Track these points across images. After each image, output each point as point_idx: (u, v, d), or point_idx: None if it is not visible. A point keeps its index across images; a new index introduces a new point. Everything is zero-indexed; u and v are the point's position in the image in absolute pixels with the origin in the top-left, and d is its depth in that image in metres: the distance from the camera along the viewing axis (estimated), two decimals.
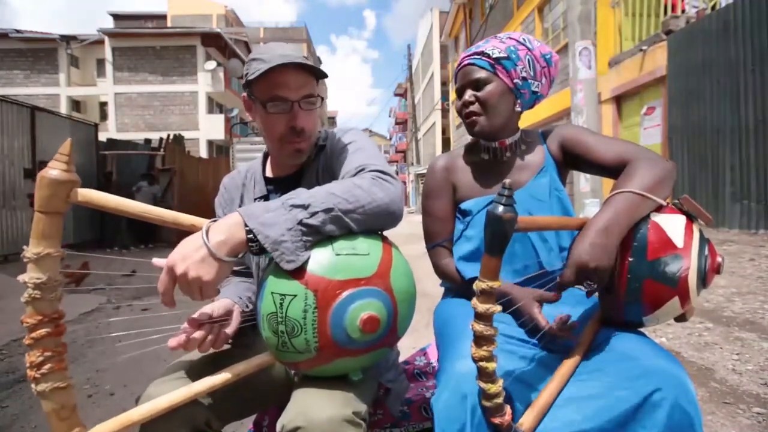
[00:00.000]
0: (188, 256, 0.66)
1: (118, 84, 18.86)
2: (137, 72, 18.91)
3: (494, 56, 1.02)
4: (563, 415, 0.74)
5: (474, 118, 1.04)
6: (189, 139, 15.81)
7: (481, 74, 1.02)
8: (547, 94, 1.10)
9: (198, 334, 0.78)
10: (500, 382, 0.69)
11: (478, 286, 0.66)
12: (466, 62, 1.05)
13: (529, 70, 1.03)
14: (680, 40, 6.05)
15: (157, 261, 0.69)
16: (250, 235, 0.68)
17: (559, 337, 0.83)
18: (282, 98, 0.89)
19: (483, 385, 0.68)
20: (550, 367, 0.82)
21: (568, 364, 0.79)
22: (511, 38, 1.05)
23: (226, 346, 0.90)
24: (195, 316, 0.80)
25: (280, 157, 0.98)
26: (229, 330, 0.83)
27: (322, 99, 0.95)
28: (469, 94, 1.03)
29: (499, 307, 0.67)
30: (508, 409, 0.70)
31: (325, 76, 0.93)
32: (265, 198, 1.01)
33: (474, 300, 0.68)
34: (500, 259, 0.66)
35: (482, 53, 1.03)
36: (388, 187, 0.78)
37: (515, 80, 1.02)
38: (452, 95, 21.30)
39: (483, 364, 0.67)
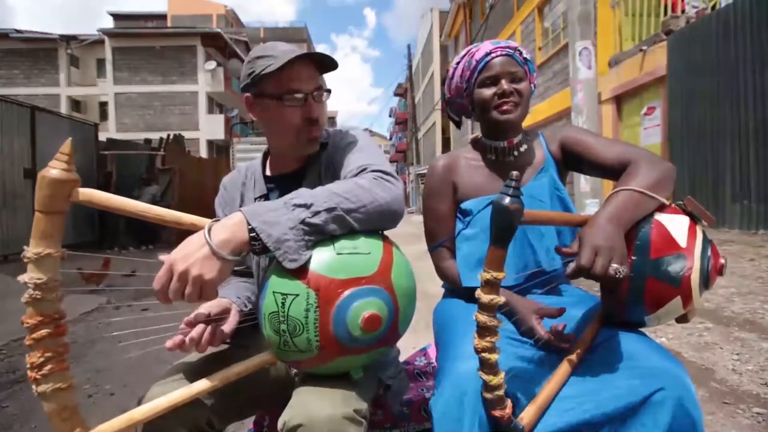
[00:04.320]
0: (190, 255, 0.66)
1: (118, 84, 18.87)
2: (137, 72, 18.92)
3: (524, 56, 1.05)
4: (563, 411, 0.74)
5: (509, 107, 1.03)
6: (189, 139, 15.77)
7: (518, 69, 1.03)
8: None
9: (195, 333, 0.77)
10: (502, 375, 0.69)
11: (482, 276, 0.66)
12: (501, 53, 1.03)
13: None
14: (680, 40, 6.05)
15: (163, 257, 0.69)
16: (253, 234, 0.68)
17: (557, 348, 0.84)
18: (297, 90, 0.91)
19: (485, 376, 0.68)
20: (550, 365, 0.82)
21: (568, 363, 0.79)
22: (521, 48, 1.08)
23: (224, 345, 0.90)
24: (191, 317, 0.80)
25: (294, 149, 0.98)
26: (227, 328, 0.82)
27: (329, 91, 0.97)
28: (508, 85, 1.02)
29: (502, 299, 0.67)
30: (509, 402, 0.70)
31: (335, 66, 0.95)
32: (265, 197, 1.01)
33: (478, 291, 0.67)
34: (505, 251, 0.66)
35: (516, 49, 1.05)
36: (390, 187, 0.78)
37: (532, 84, 1.07)
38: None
39: (485, 355, 0.67)
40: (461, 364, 0.78)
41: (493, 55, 1.03)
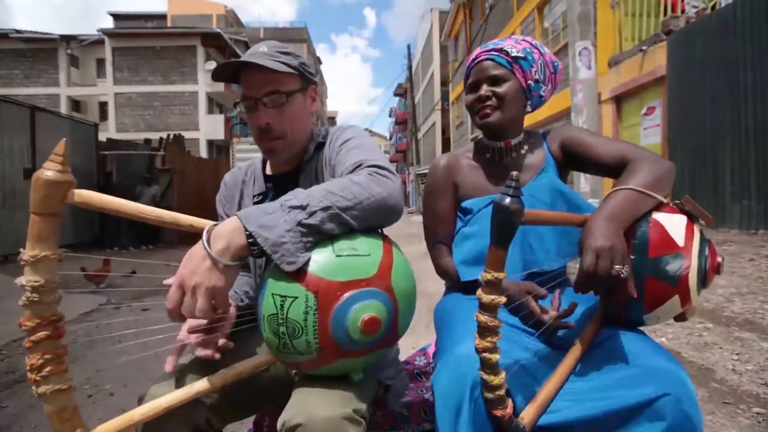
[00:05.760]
0: (195, 269, 0.66)
1: (118, 84, 18.86)
2: (137, 72, 18.91)
3: (513, 54, 1.03)
4: (563, 410, 0.74)
5: (488, 111, 1.03)
6: (189, 139, 15.77)
7: (500, 71, 1.03)
8: (548, 100, 1.12)
9: (202, 350, 0.78)
10: (503, 375, 0.69)
11: (483, 277, 0.66)
12: (483, 57, 1.04)
13: (540, 73, 1.05)
14: (680, 40, 6.05)
15: (168, 281, 0.69)
16: (251, 239, 0.68)
17: (558, 329, 0.84)
18: (247, 97, 0.90)
19: (485, 376, 0.68)
20: (552, 358, 0.83)
21: (569, 361, 0.79)
22: (525, 40, 1.06)
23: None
24: (193, 324, 0.79)
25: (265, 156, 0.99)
26: (225, 324, 0.82)
27: (287, 95, 0.91)
28: (485, 89, 1.03)
29: (503, 298, 0.67)
30: (509, 402, 0.71)
31: (295, 71, 0.91)
32: (264, 195, 1.01)
33: (479, 291, 0.67)
34: (506, 251, 0.66)
35: (501, 50, 1.03)
36: (386, 182, 0.77)
37: (529, 81, 1.04)
38: (452, 94, 21.30)
39: (486, 355, 0.67)
40: (462, 346, 0.78)
41: (477, 60, 1.06)
